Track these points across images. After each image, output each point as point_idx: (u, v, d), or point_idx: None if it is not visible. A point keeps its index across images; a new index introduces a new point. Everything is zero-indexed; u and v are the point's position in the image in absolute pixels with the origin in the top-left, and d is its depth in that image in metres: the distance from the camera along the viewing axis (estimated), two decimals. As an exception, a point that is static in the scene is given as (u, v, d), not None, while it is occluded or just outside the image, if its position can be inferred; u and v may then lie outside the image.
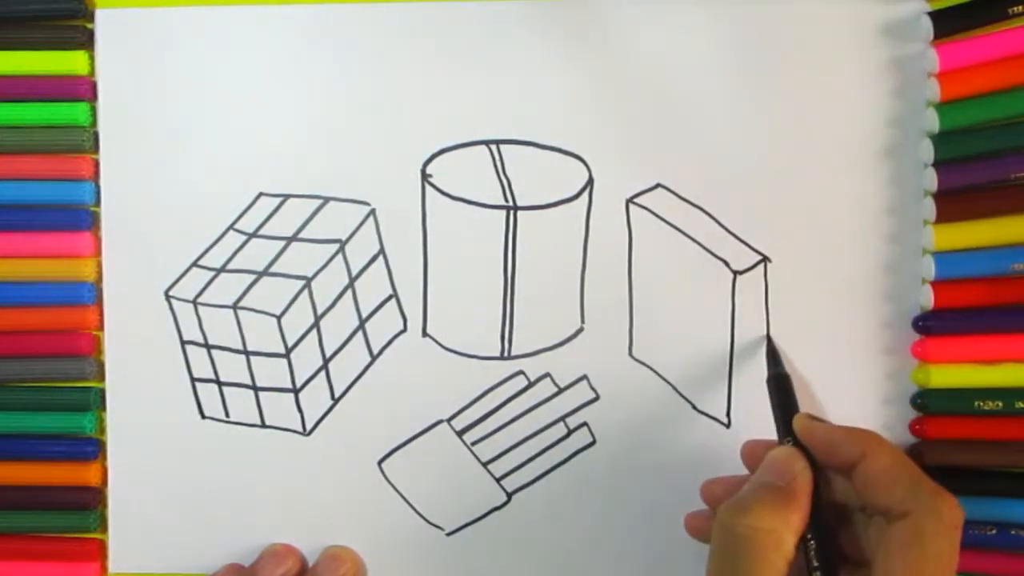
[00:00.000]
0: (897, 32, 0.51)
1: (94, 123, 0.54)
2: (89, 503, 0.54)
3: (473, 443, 0.54)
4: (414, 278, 0.53)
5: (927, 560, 0.42)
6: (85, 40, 0.53)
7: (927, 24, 0.50)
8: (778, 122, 0.52)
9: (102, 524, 0.55)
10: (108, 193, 0.54)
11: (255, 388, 0.54)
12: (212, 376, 0.54)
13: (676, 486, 0.53)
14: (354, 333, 0.54)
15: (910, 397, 0.52)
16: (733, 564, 0.43)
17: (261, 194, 0.54)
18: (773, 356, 0.51)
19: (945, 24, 0.50)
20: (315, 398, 0.54)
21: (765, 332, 0.52)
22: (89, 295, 0.54)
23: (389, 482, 0.54)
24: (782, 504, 0.44)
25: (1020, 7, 0.50)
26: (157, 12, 0.53)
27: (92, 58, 0.53)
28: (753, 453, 0.50)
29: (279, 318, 0.53)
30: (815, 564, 0.44)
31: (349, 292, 0.53)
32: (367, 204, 0.53)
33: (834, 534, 0.46)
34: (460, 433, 0.54)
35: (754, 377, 0.52)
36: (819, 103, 0.51)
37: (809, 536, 0.44)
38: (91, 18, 0.53)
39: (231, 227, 0.54)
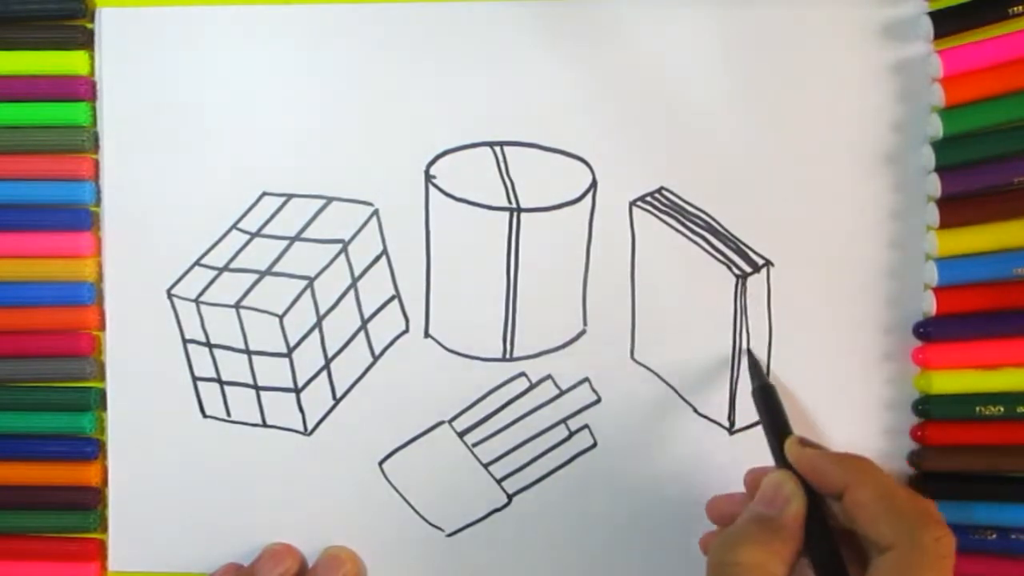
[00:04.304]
0: (899, 34, 0.51)
1: (94, 123, 0.53)
2: (89, 503, 0.54)
3: (474, 444, 0.54)
4: (417, 279, 0.53)
5: None
6: (85, 40, 0.53)
7: (927, 24, 0.50)
8: (781, 126, 0.51)
9: (102, 524, 0.55)
10: (110, 191, 0.54)
11: (257, 388, 0.54)
12: (214, 375, 0.54)
13: (677, 489, 0.53)
14: (356, 333, 0.54)
15: (912, 403, 0.52)
16: None
17: (264, 193, 0.53)
18: (754, 368, 0.51)
19: (945, 24, 0.50)
20: (316, 398, 0.54)
21: (767, 337, 0.52)
22: (89, 295, 0.54)
23: (390, 482, 0.54)
24: (771, 536, 0.43)
25: (1020, 7, 0.50)
26: (159, 12, 0.53)
27: (92, 58, 0.53)
28: (753, 481, 0.49)
29: (281, 318, 0.53)
30: None
31: (351, 292, 0.53)
32: (370, 204, 0.53)
33: (843, 557, 0.44)
34: (461, 434, 0.54)
35: (756, 381, 0.52)
36: (822, 107, 0.51)
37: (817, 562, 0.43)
38: (91, 18, 0.53)
39: (234, 226, 0.54)
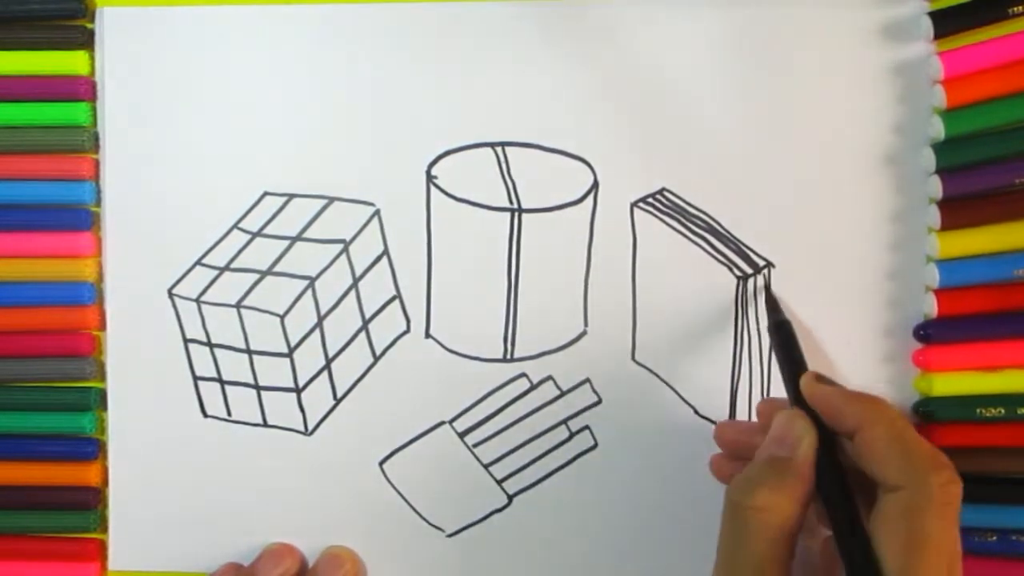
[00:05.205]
0: (899, 34, 0.51)
1: (94, 123, 0.53)
2: (89, 503, 0.54)
3: (475, 445, 0.54)
4: (418, 279, 0.53)
5: (915, 536, 0.40)
6: (85, 40, 0.53)
7: (927, 24, 0.50)
8: (782, 127, 0.51)
9: (102, 524, 0.55)
10: (111, 191, 0.53)
11: (257, 387, 0.54)
12: (214, 375, 0.54)
13: (677, 491, 0.53)
14: (357, 333, 0.54)
15: (912, 405, 0.52)
16: (738, 541, 0.42)
17: (266, 193, 0.53)
18: (771, 304, 0.51)
19: (945, 24, 0.50)
20: (317, 398, 0.54)
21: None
22: (89, 295, 0.54)
23: (390, 483, 0.54)
24: (784, 478, 0.43)
25: (1020, 7, 0.50)
26: (159, 11, 0.53)
27: (92, 58, 0.53)
28: (766, 412, 0.49)
29: (282, 317, 0.53)
30: (839, 534, 0.42)
31: (352, 292, 0.53)
32: (372, 205, 0.53)
33: (854, 496, 0.43)
34: (462, 435, 0.54)
35: (757, 383, 0.52)
36: (822, 108, 0.51)
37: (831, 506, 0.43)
38: (91, 18, 0.53)
39: (235, 226, 0.53)
